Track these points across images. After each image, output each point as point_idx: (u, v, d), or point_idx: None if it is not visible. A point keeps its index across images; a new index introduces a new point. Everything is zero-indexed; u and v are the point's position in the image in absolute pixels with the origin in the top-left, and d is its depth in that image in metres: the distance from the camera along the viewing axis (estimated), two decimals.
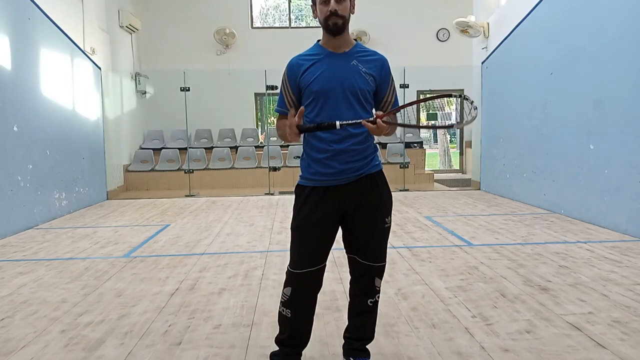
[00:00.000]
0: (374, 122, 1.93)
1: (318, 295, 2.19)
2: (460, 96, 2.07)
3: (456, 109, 10.50)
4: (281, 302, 2.16)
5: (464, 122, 2.05)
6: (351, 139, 2.07)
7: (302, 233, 2.10)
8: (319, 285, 2.15)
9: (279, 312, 2.18)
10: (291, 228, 2.15)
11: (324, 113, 2.06)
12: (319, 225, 2.07)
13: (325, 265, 2.14)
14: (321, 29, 2.11)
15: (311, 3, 2.13)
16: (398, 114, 2.09)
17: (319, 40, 2.17)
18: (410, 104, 2.07)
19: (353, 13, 2.11)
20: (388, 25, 12.44)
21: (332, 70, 2.07)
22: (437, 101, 2.17)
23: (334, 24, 2.04)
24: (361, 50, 2.14)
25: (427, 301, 3.16)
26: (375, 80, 2.12)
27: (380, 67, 2.13)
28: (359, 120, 1.97)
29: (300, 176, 2.17)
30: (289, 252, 2.15)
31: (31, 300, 3.34)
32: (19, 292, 3.52)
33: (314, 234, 2.08)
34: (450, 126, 2.07)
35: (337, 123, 1.94)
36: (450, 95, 2.09)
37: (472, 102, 2.00)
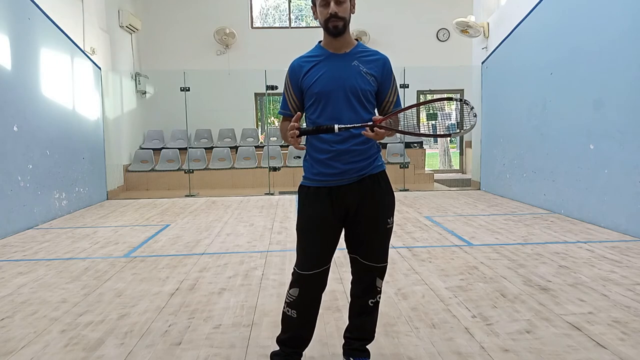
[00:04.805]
0: (372, 129, 1.93)
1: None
2: (460, 100, 2.07)
3: (456, 109, 10.50)
4: (286, 302, 2.16)
5: (463, 130, 2.04)
6: (353, 140, 2.06)
7: (308, 235, 2.11)
8: (324, 285, 2.16)
9: (284, 313, 2.17)
10: (296, 229, 2.16)
11: (326, 114, 2.06)
12: (322, 226, 2.08)
13: (330, 266, 2.14)
14: (322, 29, 2.11)
15: (311, 4, 2.13)
16: (399, 116, 2.09)
17: (320, 42, 2.17)
18: (410, 107, 2.07)
19: (353, 13, 2.10)
20: (388, 25, 12.44)
21: (333, 72, 2.07)
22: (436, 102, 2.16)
23: (335, 27, 2.04)
24: (362, 50, 2.14)
25: (427, 301, 3.16)
26: (376, 80, 2.11)
27: (382, 67, 2.13)
28: (357, 125, 1.97)
29: (303, 177, 2.17)
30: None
31: (31, 300, 3.34)
32: (19, 292, 3.53)
33: (318, 236, 2.09)
34: (448, 135, 2.06)
35: (336, 127, 1.94)
36: (450, 99, 2.09)
37: (472, 108, 1.99)
